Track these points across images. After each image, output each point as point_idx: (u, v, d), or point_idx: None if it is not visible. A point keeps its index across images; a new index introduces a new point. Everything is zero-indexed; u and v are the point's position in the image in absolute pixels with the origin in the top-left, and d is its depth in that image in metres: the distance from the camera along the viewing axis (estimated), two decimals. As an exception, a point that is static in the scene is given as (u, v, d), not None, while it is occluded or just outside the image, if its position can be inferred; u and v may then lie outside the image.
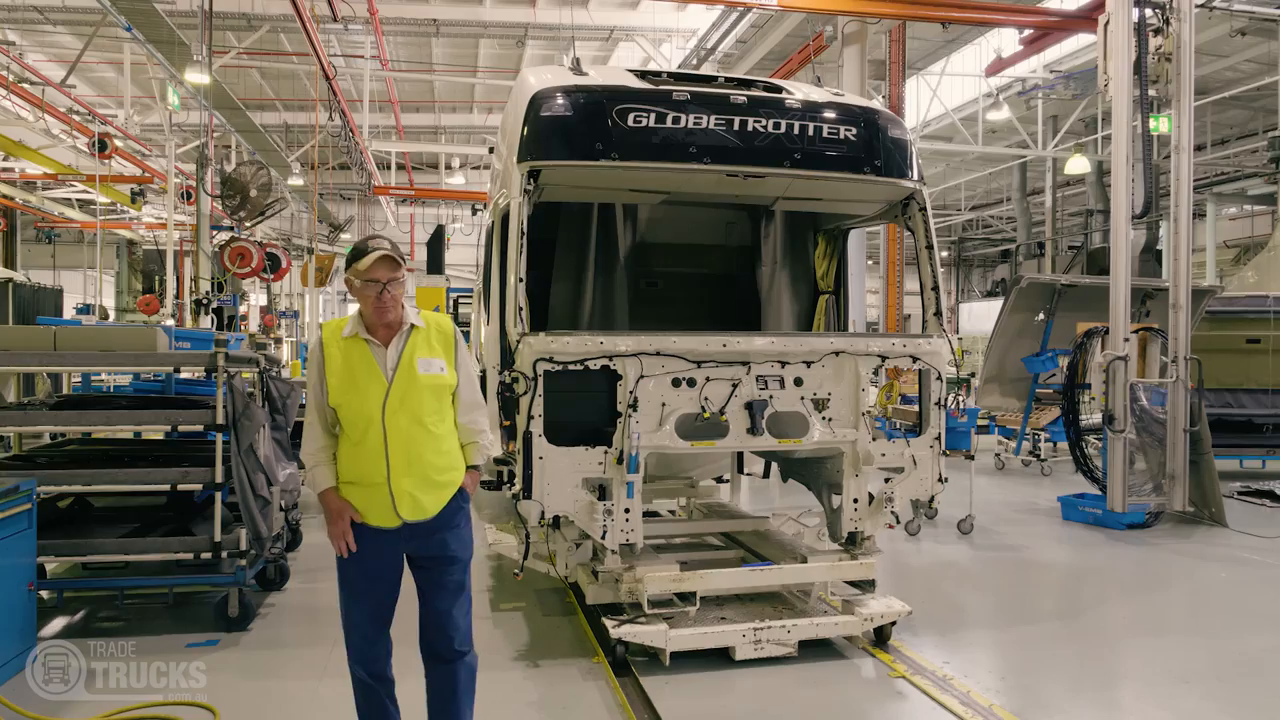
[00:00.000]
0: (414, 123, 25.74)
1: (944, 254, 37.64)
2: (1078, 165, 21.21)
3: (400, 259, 3.11)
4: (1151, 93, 7.80)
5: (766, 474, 7.15)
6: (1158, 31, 7.81)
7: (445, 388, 3.17)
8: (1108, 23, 7.71)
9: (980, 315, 28.16)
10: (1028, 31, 12.54)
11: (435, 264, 17.79)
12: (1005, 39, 17.17)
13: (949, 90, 20.22)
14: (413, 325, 3.15)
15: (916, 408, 7.56)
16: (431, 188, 26.42)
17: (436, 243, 18.17)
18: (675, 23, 19.52)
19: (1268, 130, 20.99)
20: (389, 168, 25.07)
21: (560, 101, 4.81)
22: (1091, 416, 9.67)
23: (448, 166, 27.12)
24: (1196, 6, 7.70)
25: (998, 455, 12.14)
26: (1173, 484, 7.69)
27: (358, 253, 3.09)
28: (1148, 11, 7.81)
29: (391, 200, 27.12)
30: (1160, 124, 15.21)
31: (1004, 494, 10.05)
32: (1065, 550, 7.52)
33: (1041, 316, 10.52)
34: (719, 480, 8.02)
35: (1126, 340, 7.53)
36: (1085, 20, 11.45)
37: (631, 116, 4.75)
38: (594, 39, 19.78)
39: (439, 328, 3.22)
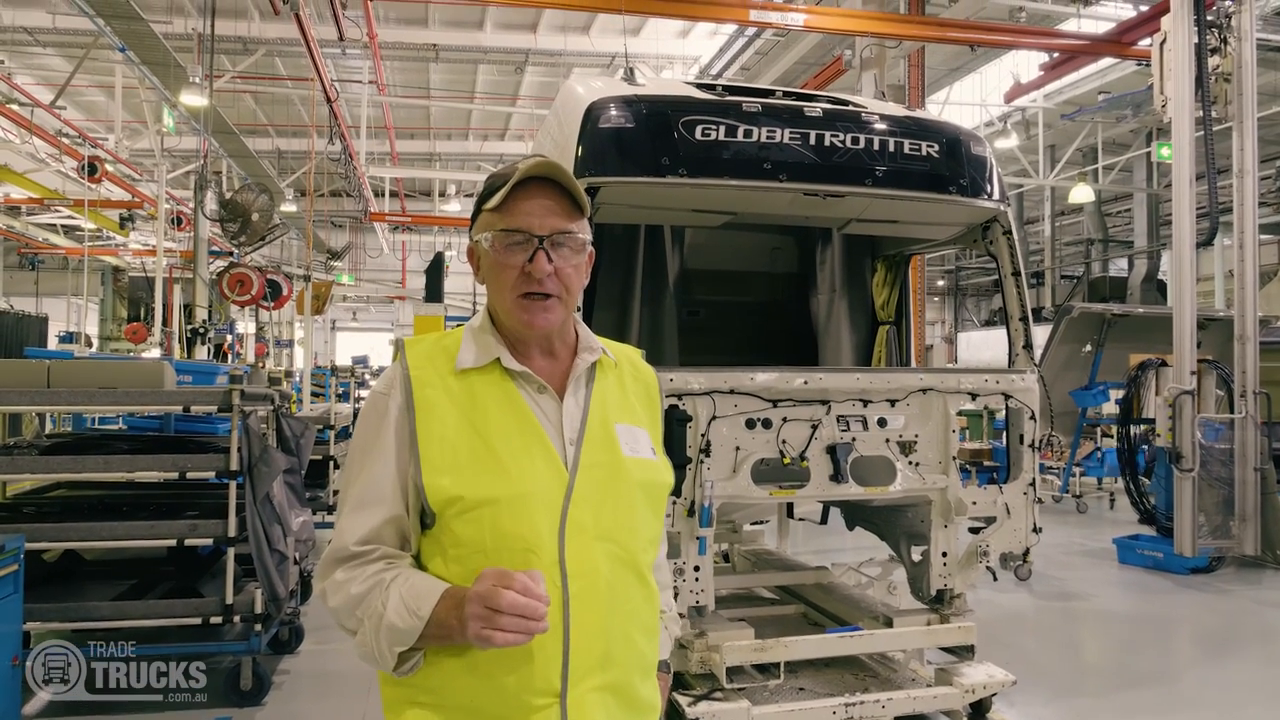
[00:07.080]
0: (409, 149, 25.36)
1: (940, 283, 37.45)
2: (1081, 194, 21.01)
3: (579, 200, 1.50)
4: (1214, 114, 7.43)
5: (824, 519, 6.64)
6: (1214, 51, 7.48)
7: (662, 490, 1.59)
8: (1164, 42, 7.37)
9: (978, 344, 27.80)
10: (1055, 55, 12.24)
11: (434, 292, 17.56)
12: (1018, 65, 16.98)
13: (948, 118, 20.06)
14: (598, 357, 1.57)
15: (973, 445, 6.91)
16: (426, 214, 26.01)
17: (436, 270, 17.86)
18: (680, 49, 19.29)
19: (1266, 160, 20.89)
20: (383, 194, 24.63)
21: (619, 113, 4.33)
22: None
23: (442, 194, 26.70)
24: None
25: (1029, 491, 11.66)
26: (1243, 526, 7.23)
27: (492, 185, 1.50)
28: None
29: (385, 227, 26.65)
30: (1162, 152, 15.00)
31: (1046, 534, 9.49)
32: (1135, 599, 7.01)
33: (1089, 348, 10.10)
34: (755, 524, 7.51)
35: (1193, 374, 7.10)
36: (1113, 44, 11.17)
37: (700, 129, 4.29)
38: (595, 65, 19.51)
39: (635, 369, 1.66)
